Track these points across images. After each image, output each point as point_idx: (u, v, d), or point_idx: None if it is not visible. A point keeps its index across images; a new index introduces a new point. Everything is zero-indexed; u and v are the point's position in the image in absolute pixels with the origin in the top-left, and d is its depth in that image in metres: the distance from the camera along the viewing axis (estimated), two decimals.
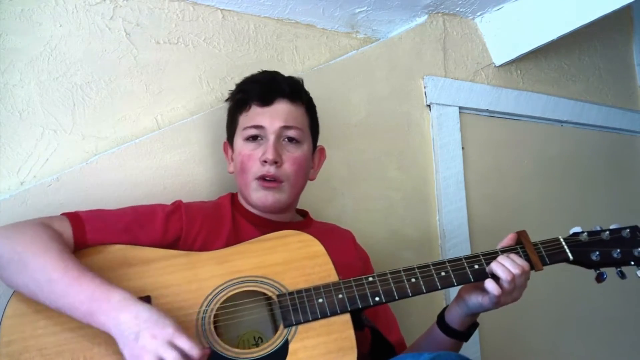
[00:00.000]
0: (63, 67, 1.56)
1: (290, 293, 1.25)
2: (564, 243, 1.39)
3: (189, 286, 1.24)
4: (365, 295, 1.26)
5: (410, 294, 1.28)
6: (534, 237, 1.40)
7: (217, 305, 1.22)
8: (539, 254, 1.37)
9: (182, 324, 1.17)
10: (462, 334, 1.41)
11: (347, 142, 1.93)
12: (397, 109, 2.05)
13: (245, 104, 1.49)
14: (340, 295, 1.25)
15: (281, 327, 1.21)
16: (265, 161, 1.42)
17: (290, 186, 1.46)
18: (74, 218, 1.28)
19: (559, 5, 2.10)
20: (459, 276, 1.32)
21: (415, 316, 1.82)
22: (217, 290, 1.24)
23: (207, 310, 1.21)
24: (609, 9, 2.00)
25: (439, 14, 2.17)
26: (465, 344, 1.44)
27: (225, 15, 1.81)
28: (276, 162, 1.42)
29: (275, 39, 1.89)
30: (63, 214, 1.30)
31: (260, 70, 1.58)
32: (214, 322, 1.21)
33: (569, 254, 1.37)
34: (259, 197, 1.44)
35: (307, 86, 1.57)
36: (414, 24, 2.13)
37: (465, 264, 1.33)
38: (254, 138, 1.46)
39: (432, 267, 1.31)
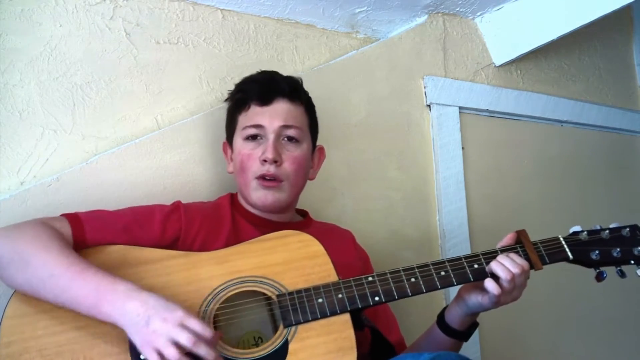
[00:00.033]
0: (63, 67, 1.56)
1: (290, 293, 1.25)
2: (563, 242, 1.39)
3: (188, 287, 1.24)
4: (365, 295, 1.26)
5: (410, 294, 1.28)
6: (534, 237, 1.40)
7: (217, 306, 1.22)
8: (539, 253, 1.37)
9: None
10: (462, 334, 1.41)
11: (347, 142, 1.93)
12: (397, 109, 2.05)
13: (245, 104, 1.49)
14: (339, 295, 1.25)
15: (281, 327, 1.21)
16: (265, 160, 1.42)
17: (290, 185, 1.46)
18: (73, 219, 1.28)
19: (559, 5, 2.10)
20: (459, 276, 1.32)
21: (415, 316, 1.82)
22: (216, 291, 1.24)
23: (206, 310, 1.21)
24: (609, 9, 2.00)
25: (439, 14, 2.17)
26: (465, 344, 1.44)
27: (225, 15, 1.81)
28: (276, 161, 1.42)
29: (275, 39, 1.89)
30: (62, 215, 1.30)
31: (259, 71, 1.58)
32: (214, 323, 1.21)
33: (569, 253, 1.37)
34: (258, 196, 1.44)
35: (307, 86, 1.57)
36: (414, 24, 2.13)
37: (465, 263, 1.33)
38: (253, 137, 1.46)
39: (431, 267, 1.31)
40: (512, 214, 2.26)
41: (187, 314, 1.10)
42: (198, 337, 1.08)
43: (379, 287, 1.28)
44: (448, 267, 1.32)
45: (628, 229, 1.39)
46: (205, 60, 1.75)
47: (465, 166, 2.14)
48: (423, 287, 1.29)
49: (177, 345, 1.07)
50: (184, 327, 1.08)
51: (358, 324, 1.25)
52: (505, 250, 1.37)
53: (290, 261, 1.29)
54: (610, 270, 1.39)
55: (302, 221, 1.57)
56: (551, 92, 2.46)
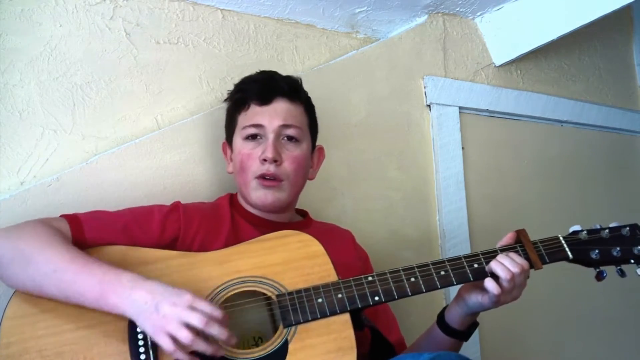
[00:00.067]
0: (63, 67, 1.56)
1: (290, 293, 1.25)
2: (563, 242, 1.39)
3: (188, 287, 1.23)
4: (365, 294, 1.26)
5: (410, 293, 1.28)
6: (534, 237, 1.40)
7: (217, 305, 1.22)
8: (539, 252, 1.37)
9: None
10: (462, 334, 1.41)
11: (347, 142, 1.93)
12: (397, 109, 2.06)
13: (244, 103, 1.49)
14: (339, 295, 1.25)
15: (281, 327, 1.21)
16: (265, 160, 1.42)
17: (290, 185, 1.46)
18: (73, 219, 1.29)
19: (559, 5, 2.10)
20: (459, 275, 1.32)
21: (415, 316, 1.82)
22: (216, 291, 1.24)
23: None
24: (609, 9, 2.00)
25: (439, 14, 2.17)
26: (465, 344, 1.44)
27: (225, 15, 1.81)
28: (276, 161, 1.42)
29: (275, 39, 1.89)
30: (62, 216, 1.30)
31: (259, 71, 1.58)
32: None
33: (569, 253, 1.37)
34: (258, 196, 1.44)
35: (307, 86, 1.57)
36: (414, 24, 2.13)
37: (465, 263, 1.33)
38: (253, 137, 1.46)
39: (431, 267, 1.31)
40: (512, 214, 2.26)
41: (195, 296, 1.11)
42: (209, 317, 1.09)
43: (378, 287, 1.28)
44: (448, 266, 1.32)
45: (628, 228, 1.39)
46: (205, 60, 1.76)
47: (465, 166, 2.14)
48: (423, 287, 1.29)
49: (189, 328, 1.08)
50: (194, 309, 1.10)
51: (358, 324, 1.25)
52: (505, 249, 1.37)
53: (290, 261, 1.29)
54: (610, 270, 1.39)
55: (302, 221, 1.57)
56: (551, 92, 2.46)
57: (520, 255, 1.35)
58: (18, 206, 1.42)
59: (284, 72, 1.57)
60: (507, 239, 1.40)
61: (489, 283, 1.30)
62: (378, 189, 1.97)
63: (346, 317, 1.24)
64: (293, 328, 1.21)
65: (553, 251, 1.38)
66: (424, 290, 1.29)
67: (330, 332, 1.21)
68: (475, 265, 1.33)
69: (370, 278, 1.28)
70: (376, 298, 1.26)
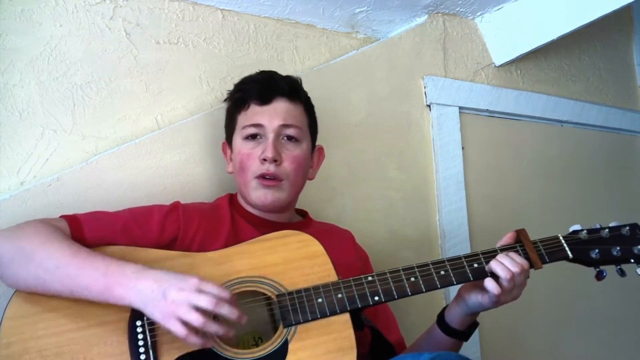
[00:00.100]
0: (63, 67, 1.56)
1: (290, 293, 1.25)
2: (563, 241, 1.39)
3: None
4: (365, 294, 1.26)
5: (410, 293, 1.28)
6: (534, 237, 1.40)
7: None
8: (538, 252, 1.37)
9: None
10: (462, 334, 1.41)
11: (347, 142, 1.93)
12: (397, 109, 2.06)
13: (244, 103, 1.49)
14: (339, 295, 1.25)
15: (281, 327, 1.21)
16: (264, 159, 1.42)
17: (289, 185, 1.46)
18: (72, 219, 1.29)
19: (559, 5, 2.10)
20: (459, 275, 1.32)
21: (415, 316, 1.82)
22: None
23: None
24: (609, 9, 2.00)
25: (439, 14, 2.17)
26: (465, 344, 1.44)
27: (225, 15, 1.81)
28: (276, 160, 1.43)
29: (275, 39, 1.89)
30: (61, 217, 1.30)
31: (259, 71, 1.58)
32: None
33: (569, 252, 1.37)
34: (258, 195, 1.44)
35: (307, 86, 1.57)
36: (414, 24, 2.13)
37: (465, 262, 1.33)
38: (253, 137, 1.46)
39: (431, 266, 1.31)
40: (512, 213, 2.26)
41: (201, 279, 1.12)
42: (218, 298, 1.10)
43: (378, 286, 1.28)
44: (448, 266, 1.32)
45: (628, 228, 1.39)
46: (205, 60, 1.76)
47: (465, 166, 2.14)
48: (423, 287, 1.29)
49: (199, 311, 1.09)
50: (202, 291, 1.10)
51: (358, 324, 1.25)
52: (504, 249, 1.37)
53: (290, 261, 1.29)
54: (610, 269, 1.39)
55: (302, 221, 1.57)
56: (551, 92, 2.46)
57: (520, 254, 1.35)
58: (18, 206, 1.42)
59: (284, 72, 1.57)
60: (507, 238, 1.40)
61: (489, 283, 1.30)
62: (378, 189, 1.97)
63: (346, 317, 1.24)
64: (293, 328, 1.21)
65: (553, 251, 1.38)
66: (424, 290, 1.29)
67: (330, 332, 1.21)
68: (475, 265, 1.33)
69: (370, 278, 1.28)
70: (376, 298, 1.26)
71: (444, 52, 2.17)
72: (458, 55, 2.21)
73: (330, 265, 1.30)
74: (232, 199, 1.53)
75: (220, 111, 1.62)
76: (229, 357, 1.17)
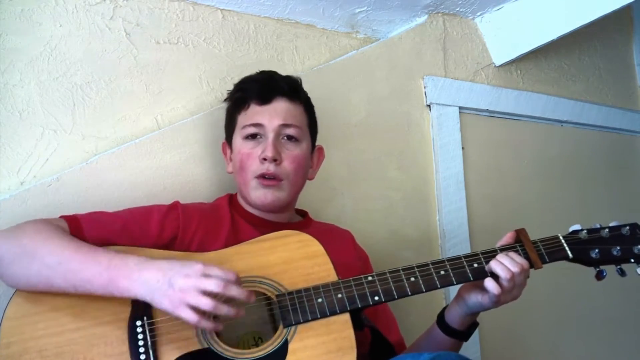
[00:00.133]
0: (63, 67, 1.56)
1: (290, 293, 1.24)
2: (563, 241, 1.39)
3: None
4: (365, 294, 1.26)
5: (410, 293, 1.28)
6: (534, 236, 1.40)
7: None
8: (538, 252, 1.37)
9: (181, 325, 1.18)
10: (462, 334, 1.41)
11: (347, 142, 1.93)
12: (397, 109, 2.06)
13: (244, 103, 1.49)
14: (339, 295, 1.25)
15: (281, 327, 1.21)
16: (264, 159, 1.42)
17: (289, 184, 1.46)
18: (72, 219, 1.29)
19: (559, 5, 2.10)
20: (458, 275, 1.31)
21: (415, 316, 1.82)
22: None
23: None
24: (609, 9, 2.00)
25: (439, 14, 2.17)
26: (465, 344, 1.44)
27: (225, 15, 1.81)
28: (275, 160, 1.43)
29: (275, 39, 1.89)
30: (61, 217, 1.30)
31: (259, 71, 1.58)
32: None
33: (569, 252, 1.37)
34: (258, 195, 1.44)
35: (307, 86, 1.57)
36: (414, 24, 2.13)
37: (465, 262, 1.33)
38: (253, 136, 1.47)
39: (431, 266, 1.31)
40: (512, 213, 2.26)
41: (205, 264, 1.13)
42: (225, 280, 1.11)
43: (378, 286, 1.27)
44: (448, 266, 1.32)
45: (628, 228, 1.39)
46: (205, 60, 1.76)
47: (465, 166, 2.14)
48: (423, 287, 1.29)
49: (208, 295, 1.09)
50: (208, 275, 1.11)
51: (358, 324, 1.25)
52: (504, 249, 1.36)
53: (290, 261, 1.29)
54: (610, 269, 1.39)
55: (302, 221, 1.57)
56: (551, 92, 2.46)
57: (520, 254, 1.35)
58: (18, 206, 1.42)
59: (284, 72, 1.57)
60: (506, 238, 1.40)
61: (489, 283, 1.30)
62: (378, 189, 1.97)
63: (346, 317, 1.24)
64: (293, 328, 1.21)
65: (553, 250, 1.37)
66: (424, 290, 1.29)
67: (330, 332, 1.21)
68: (475, 265, 1.33)
69: (370, 278, 1.28)
70: (376, 298, 1.26)
71: (444, 52, 2.17)
72: (458, 55, 2.21)
73: (330, 265, 1.30)
74: (231, 199, 1.53)
75: (220, 111, 1.62)
76: (229, 357, 1.17)
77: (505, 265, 1.30)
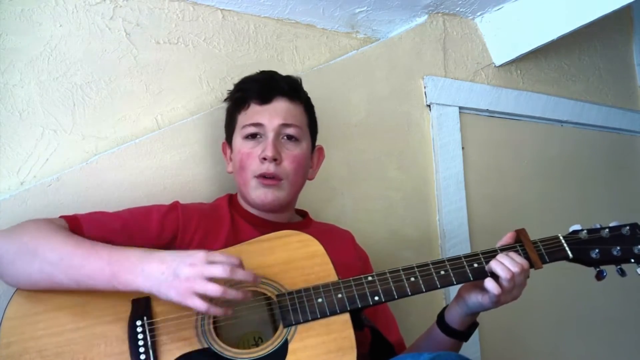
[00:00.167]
0: (63, 67, 1.56)
1: (290, 293, 1.24)
2: (563, 241, 1.39)
3: None
4: (365, 294, 1.26)
5: (410, 293, 1.28)
6: (534, 236, 1.40)
7: None
8: (539, 252, 1.37)
9: (181, 324, 1.18)
10: (462, 334, 1.41)
11: (347, 142, 1.93)
12: (397, 109, 2.06)
13: (244, 103, 1.49)
14: (339, 295, 1.25)
15: (281, 327, 1.21)
16: (264, 158, 1.42)
17: (289, 184, 1.46)
18: (71, 219, 1.29)
19: (559, 5, 2.10)
20: (459, 275, 1.31)
21: (415, 316, 1.82)
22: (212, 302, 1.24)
23: None
24: (609, 9, 2.00)
25: (439, 14, 2.17)
26: (465, 344, 1.44)
27: (225, 15, 1.81)
28: (275, 160, 1.43)
29: (275, 39, 1.89)
30: (61, 217, 1.30)
31: (259, 71, 1.58)
32: (214, 323, 1.21)
33: (569, 252, 1.37)
34: (258, 195, 1.44)
35: (307, 86, 1.57)
36: (414, 24, 2.13)
37: (465, 262, 1.33)
38: (253, 136, 1.47)
39: (431, 266, 1.31)
40: (512, 213, 2.26)
41: (207, 252, 1.13)
42: (231, 265, 1.11)
43: (378, 286, 1.27)
44: (448, 266, 1.32)
45: (628, 228, 1.39)
46: (205, 60, 1.76)
47: (465, 166, 2.14)
48: (423, 287, 1.29)
49: (215, 281, 1.10)
50: (212, 262, 1.11)
51: (358, 324, 1.25)
52: (504, 249, 1.36)
53: (290, 261, 1.29)
54: (610, 269, 1.39)
55: (302, 221, 1.57)
56: (551, 92, 2.46)
57: (520, 254, 1.35)
58: (18, 206, 1.42)
59: (284, 72, 1.57)
60: (507, 238, 1.40)
61: (489, 283, 1.30)
62: (378, 189, 1.97)
63: (346, 317, 1.24)
64: (293, 328, 1.21)
65: (553, 250, 1.37)
66: (424, 290, 1.29)
67: (330, 332, 1.21)
68: (475, 265, 1.33)
69: (370, 278, 1.28)
70: (376, 298, 1.26)
71: (444, 52, 2.17)
72: (458, 55, 2.21)
73: (330, 265, 1.29)
74: (231, 199, 1.53)
75: (220, 111, 1.62)
76: (229, 357, 1.17)
77: (505, 265, 1.30)
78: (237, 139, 1.49)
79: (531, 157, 2.38)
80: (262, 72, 1.57)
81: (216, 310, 1.12)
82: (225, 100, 1.59)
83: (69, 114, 1.55)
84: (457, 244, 2.05)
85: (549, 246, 1.38)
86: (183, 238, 1.35)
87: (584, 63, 2.65)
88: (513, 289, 1.32)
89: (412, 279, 1.29)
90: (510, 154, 2.32)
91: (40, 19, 1.55)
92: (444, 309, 1.45)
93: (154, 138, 1.61)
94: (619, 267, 1.38)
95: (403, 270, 1.30)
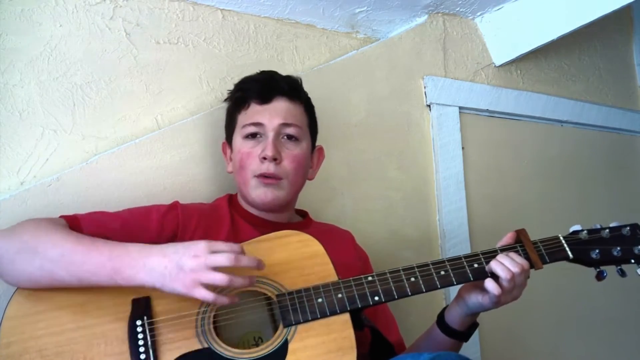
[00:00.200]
0: (63, 67, 1.56)
1: (290, 293, 1.24)
2: (563, 241, 1.39)
3: None
4: (365, 294, 1.26)
5: (410, 293, 1.28)
6: (534, 236, 1.40)
7: (217, 306, 1.22)
8: (539, 252, 1.37)
9: (181, 324, 1.18)
10: (462, 334, 1.41)
11: (347, 142, 1.93)
12: (397, 109, 2.06)
13: (244, 102, 1.49)
14: (339, 295, 1.25)
15: (281, 327, 1.21)
16: (264, 158, 1.42)
17: (289, 183, 1.46)
18: (71, 219, 1.29)
19: (559, 5, 2.10)
20: (459, 275, 1.31)
21: (415, 316, 1.82)
22: (216, 291, 1.24)
23: (206, 310, 1.21)
24: (609, 9, 2.00)
25: (439, 14, 2.17)
26: (465, 344, 1.44)
27: (225, 15, 1.81)
28: (275, 159, 1.43)
29: (275, 39, 1.89)
30: (61, 217, 1.30)
31: (259, 71, 1.58)
32: (214, 323, 1.21)
33: (569, 252, 1.37)
34: (258, 194, 1.44)
35: (307, 86, 1.57)
36: (414, 24, 2.13)
37: (465, 263, 1.33)
38: (253, 136, 1.47)
39: (431, 266, 1.31)
40: (512, 213, 2.26)
41: (209, 241, 1.13)
42: (234, 253, 1.12)
43: (378, 286, 1.27)
44: (448, 266, 1.32)
45: (628, 228, 1.39)
46: (205, 60, 1.75)
47: (465, 166, 2.14)
48: (423, 287, 1.29)
49: (220, 270, 1.10)
50: (215, 252, 1.12)
51: (358, 324, 1.25)
52: (505, 249, 1.36)
53: (290, 261, 1.29)
54: (610, 270, 1.39)
55: (302, 221, 1.57)
56: (551, 92, 2.46)
57: (520, 255, 1.35)
58: (18, 206, 1.42)
59: (284, 72, 1.57)
60: (507, 238, 1.40)
61: (489, 283, 1.29)
62: (378, 189, 1.97)
63: (346, 317, 1.24)
64: (293, 328, 1.21)
65: (553, 251, 1.37)
66: (424, 290, 1.29)
67: (330, 332, 1.21)
68: (476, 265, 1.33)
69: (370, 278, 1.28)
70: (376, 298, 1.26)
71: (444, 52, 2.17)
72: (458, 55, 2.21)
73: (331, 265, 1.29)
74: (231, 199, 1.53)
75: (220, 111, 1.62)
76: (229, 357, 1.17)
77: (505, 265, 1.30)
78: (237, 139, 1.49)
79: (531, 157, 2.38)
80: (263, 72, 1.57)
81: (223, 300, 1.13)
82: (225, 100, 1.59)
83: (69, 114, 1.55)
84: (457, 244, 2.05)
85: (549, 246, 1.38)
86: (182, 238, 1.35)
87: (584, 63, 2.65)
88: (513, 290, 1.32)
89: (412, 279, 1.29)
90: (510, 154, 2.32)
91: (40, 19, 1.55)
92: (444, 309, 1.45)
93: (154, 138, 1.61)
94: (619, 267, 1.38)
95: (403, 270, 1.30)
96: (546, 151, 2.44)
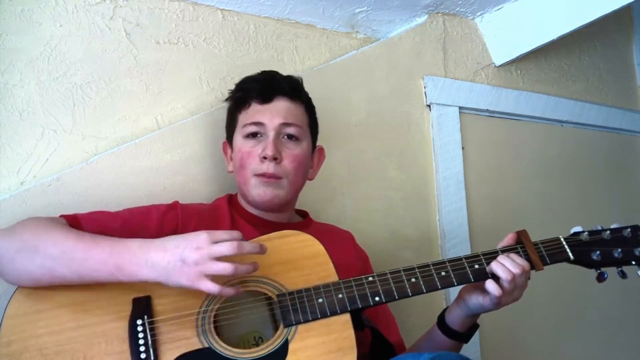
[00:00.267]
0: (63, 67, 1.56)
1: (290, 293, 1.24)
2: (564, 242, 1.38)
3: None
4: (365, 295, 1.26)
5: (410, 294, 1.28)
6: (535, 237, 1.40)
7: (217, 305, 1.22)
8: (540, 253, 1.36)
9: (182, 324, 1.18)
10: (463, 335, 1.41)
11: (347, 142, 1.93)
12: (397, 109, 2.05)
13: (245, 102, 1.49)
14: (340, 295, 1.25)
15: (281, 327, 1.21)
16: (265, 157, 1.42)
17: (289, 183, 1.46)
18: (71, 218, 1.29)
19: (559, 5, 2.10)
20: (459, 276, 1.31)
21: (415, 317, 1.82)
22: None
23: (207, 310, 1.21)
24: (609, 9, 2.00)
25: (439, 14, 2.17)
26: (465, 345, 1.44)
27: (225, 15, 1.81)
28: (276, 159, 1.43)
29: (275, 39, 1.89)
30: (61, 216, 1.30)
31: (260, 71, 1.58)
32: (214, 322, 1.21)
33: (570, 254, 1.37)
34: (258, 193, 1.44)
35: (307, 86, 1.57)
36: (414, 24, 2.13)
37: (466, 263, 1.33)
38: (253, 135, 1.47)
39: (432, 267, 1.31)
40: (512, 214, 2.26)
41: (209, 232, 1.13)
42: (236, 241, 1.12)
43: (379, 287, 1.27)
44: (449, 267, 1.32)
45: (629, 230, 1.39)
46: (205, 60, 1.75)
47: (465, 166, 2.14)
48: (423, 288, 1.29)
49: (223, 260, 1.10)
50: (217, 242, 1.12)
51: (358, 324, 1.25)
52: (505, 250, 1.36)
53: (290, 261, 1.29)
54: (611, 271, 1.39)
55: (302, 221, 1.57)
56: (551, 92, 2.46)
57: (521, 256, 1.35)
58: (18, 206, 1.42)
59: (284, 72, 1.57)
60: (507, 239, 1.40)
61: (489, 284, 1.29)
62: (378, 189, 1.97)
63: (346, 317, 1.24)
64: (293, 328, 1.21)
65: (554, 252, 1.37)
66: (425, 291, 1.29)
67: (331, 332, 1.21)
68: (476, 266, 1.33)
69: (370, 278, 1.28)
70: (377, 298, 1.26)
71: (444, 52, 2.17)
72: (458, 55, 2.21)
73: (331, 265, 1.29)
74: (231, 199, 1.53)
75: (220, 111, 1.62)
76: (229, 357, 1.17)
77: (506, 266, 1.30)
78: (238, 138, 1.49)
79: (531, 157, 2.39)
80: (263, 72, 1.57)
81: (229, 291, 1.13)
82: (226, 100, 1.59)
83: (69, 114, 1.55)
84: (457, 244, 2.05)
85: (550, 247, 1.38)
86: None
87: (584, 63, 2.65)
88: (514, 291, 1.32)
89: (413, 279, 1.29)
90: (510, 154, 2.32)
91: (40, 19, 1.54)
92: (445, 310, 1.45)
93: (154, 138, 1.61)
94: (619, 269, 1.38)
95: (404, 270, 1.30)
96: (546, 151, 2.44)
